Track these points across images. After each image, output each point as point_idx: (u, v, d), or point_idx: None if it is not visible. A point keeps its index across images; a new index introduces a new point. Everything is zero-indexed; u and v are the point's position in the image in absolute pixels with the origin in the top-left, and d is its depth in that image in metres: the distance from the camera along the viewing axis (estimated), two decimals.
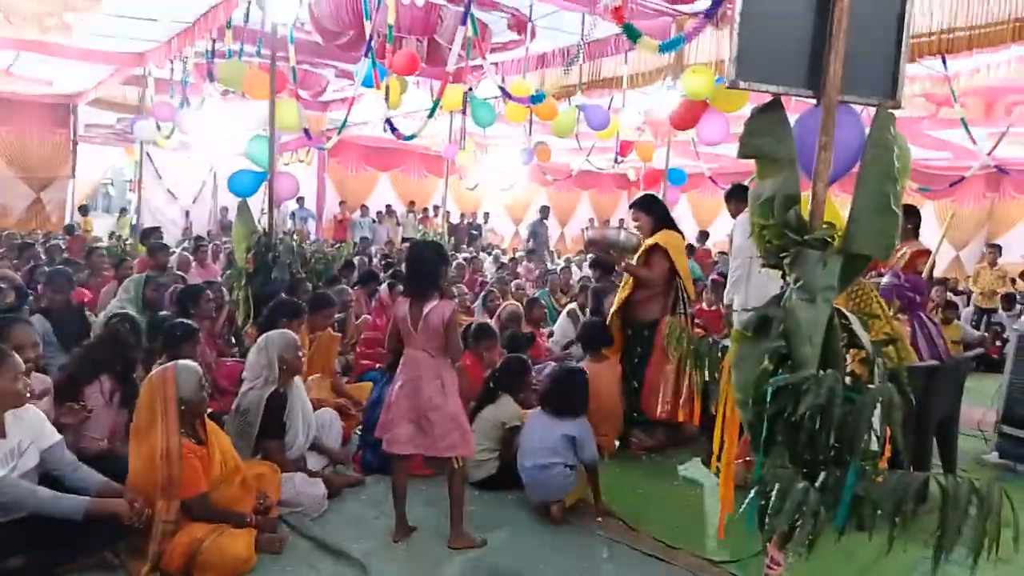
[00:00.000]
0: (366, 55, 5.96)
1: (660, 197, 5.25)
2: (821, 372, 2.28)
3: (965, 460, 4.80)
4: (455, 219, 17.46)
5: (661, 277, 4.90)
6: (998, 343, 9.38)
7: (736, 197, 5.42)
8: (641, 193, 5.45)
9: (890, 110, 2.49)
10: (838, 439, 2.22)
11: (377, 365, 5.98)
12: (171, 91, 10.43)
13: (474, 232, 17.64)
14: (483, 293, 7.84)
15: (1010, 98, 7.71)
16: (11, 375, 2.95)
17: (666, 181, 9.47)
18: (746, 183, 5.55)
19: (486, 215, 19.26)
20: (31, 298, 6.11)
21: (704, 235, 14.58)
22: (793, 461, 2.30)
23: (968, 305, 10.91)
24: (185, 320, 4.66)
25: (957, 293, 10.53)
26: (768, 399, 2.33)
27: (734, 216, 5.41)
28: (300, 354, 4.13)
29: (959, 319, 9.55)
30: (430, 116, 6.10)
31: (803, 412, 2.18)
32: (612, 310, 5.12)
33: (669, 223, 5.05)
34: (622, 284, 5.15)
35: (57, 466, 3.14)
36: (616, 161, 10.90)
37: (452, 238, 13.88)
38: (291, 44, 6.55)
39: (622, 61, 8.57)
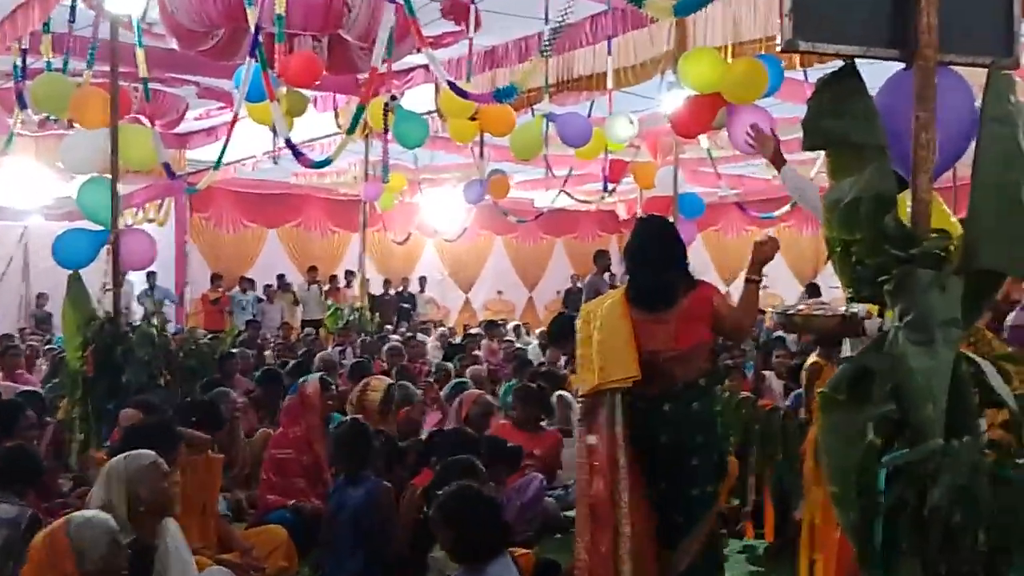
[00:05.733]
0: (252, 55, 5.99)
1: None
2: (953, 442, 2.26)
3: None
4: (377, 288, 17.41)
5: None
6: None
7: None
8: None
9: (1007, 71, 2.55)
10: (989, 537, 2.19)
11: (291, 501, 5.81)
12: None
13: (406, 305, 17.60)
14: (451, 384, 7.75)
15: None
16: None
17: (676, 213, 9.58)
18: None
19: (422, 280, 19.29)
20: None
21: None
22: (928, 575, 2.26)
23: None
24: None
25: None
26: (882, 488, 2.29)
27: None
28: (166, 484, 4.01)
29: None
30: (352, 128, 6.11)
31: (937, 501, 2.15)
32: None
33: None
34: None
35: None
36: (605, 190, 11.04)
37: (376, 315, 13.78)
38: (139, 48, 6.57)
39: (603, 52, 8.79)
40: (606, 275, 12.08)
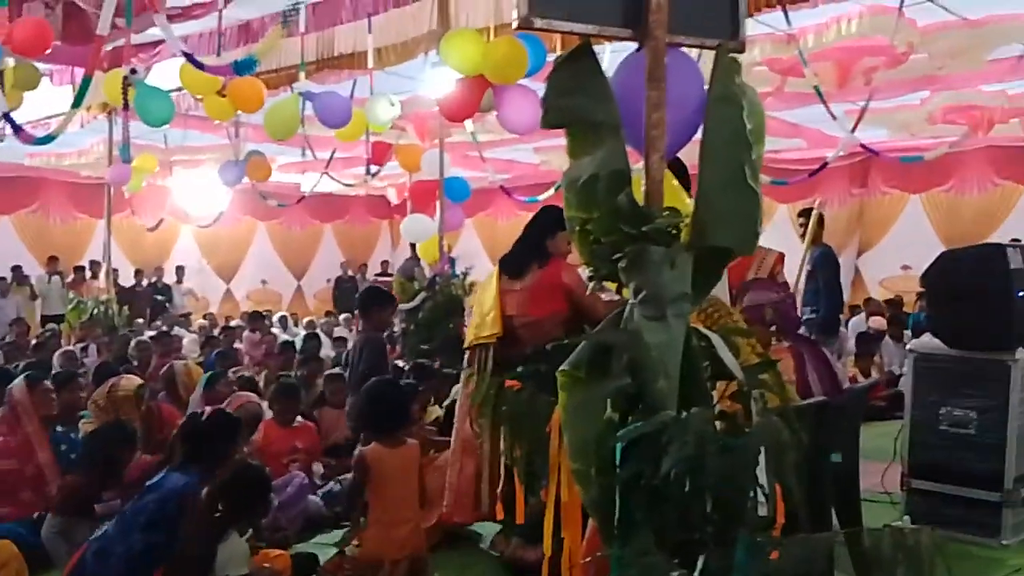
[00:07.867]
0: None
1: None
2: (684, 414, 2.38)
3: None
4: (128, 279, 16.68)
5: None
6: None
7: None
8: None
9: (734, 54, 2.71)
10: (716, 504, 2.32)
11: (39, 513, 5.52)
12: None
13: (161, 297, 17.00)
14: (204, 378, 7.46)
15: (868, 61, 8.73)
16: None
17: (443, 197, 9.66)
18: None
19: (179, 270, 18.62)
20: None
21: None
22: (662, 545, 2.37)
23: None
24: None
25: None
26: (618, 461, 2.39)
27: None
28: None
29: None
30: (77, 101, 5.80)
31: (668, 471, 2.26)
32: None
33: None
34: None
35: None
36: (368, 172, 10.98)
37: (126, 308, 13.15)
38: None
39: (363, 30, 8.74)
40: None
